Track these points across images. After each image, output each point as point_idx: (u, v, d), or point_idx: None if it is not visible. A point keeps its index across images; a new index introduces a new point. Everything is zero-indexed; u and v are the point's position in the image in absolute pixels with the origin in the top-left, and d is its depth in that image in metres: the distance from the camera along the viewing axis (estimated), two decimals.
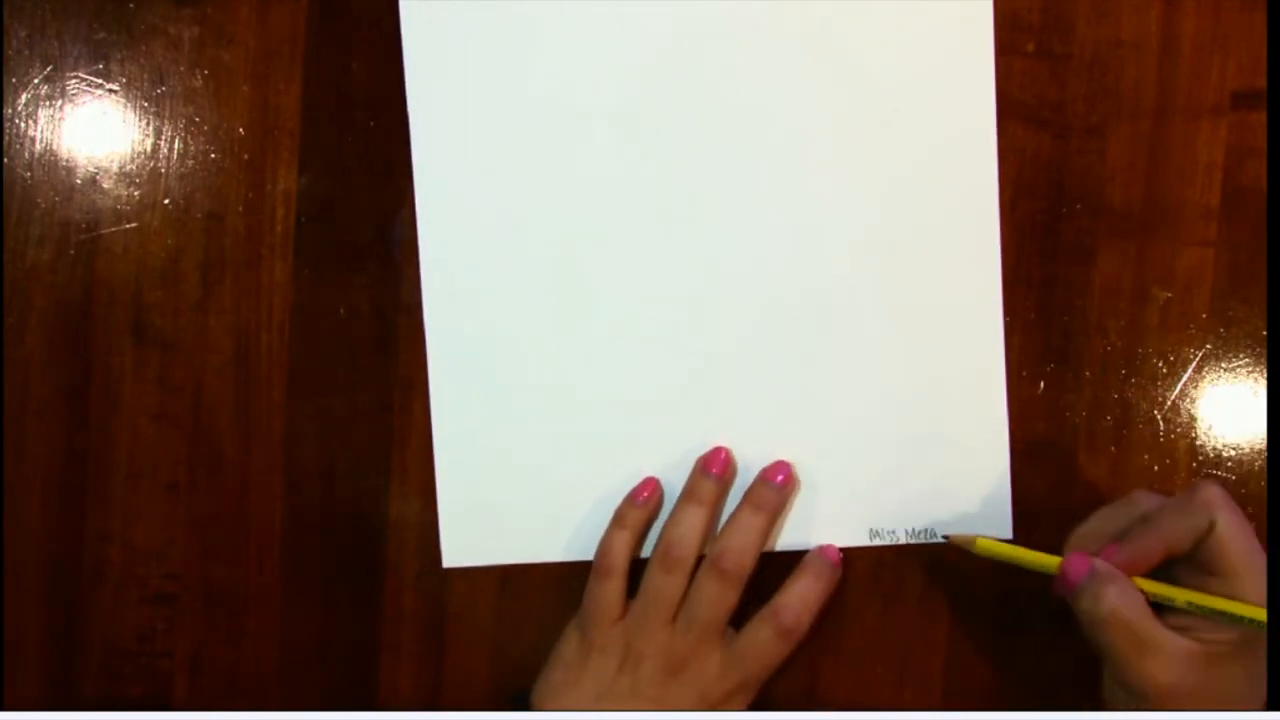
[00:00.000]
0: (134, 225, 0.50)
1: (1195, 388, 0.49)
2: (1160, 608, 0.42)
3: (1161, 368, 0.49)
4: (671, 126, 0.49)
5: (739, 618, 0.48)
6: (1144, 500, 0.44)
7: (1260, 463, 0.49)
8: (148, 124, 0.50)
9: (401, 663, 0.51)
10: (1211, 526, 0.41)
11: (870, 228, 0.49)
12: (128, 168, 0.50)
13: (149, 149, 0.50)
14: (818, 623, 0.48)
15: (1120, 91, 0.49)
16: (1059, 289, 0.49)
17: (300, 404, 0.50)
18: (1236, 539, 0.41)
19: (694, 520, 0.48)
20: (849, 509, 0.50)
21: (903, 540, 0.50)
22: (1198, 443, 0.49)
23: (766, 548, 0.49)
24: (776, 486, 0.49)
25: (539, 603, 0.51)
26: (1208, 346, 0.49)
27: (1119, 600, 0.41)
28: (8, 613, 0.51)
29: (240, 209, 0.50)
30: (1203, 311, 0.49)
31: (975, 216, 0.49)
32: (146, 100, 0.50)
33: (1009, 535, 0.49)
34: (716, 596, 0.47)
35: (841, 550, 0.49)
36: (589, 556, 0.49)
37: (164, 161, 0.50)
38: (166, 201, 0.50)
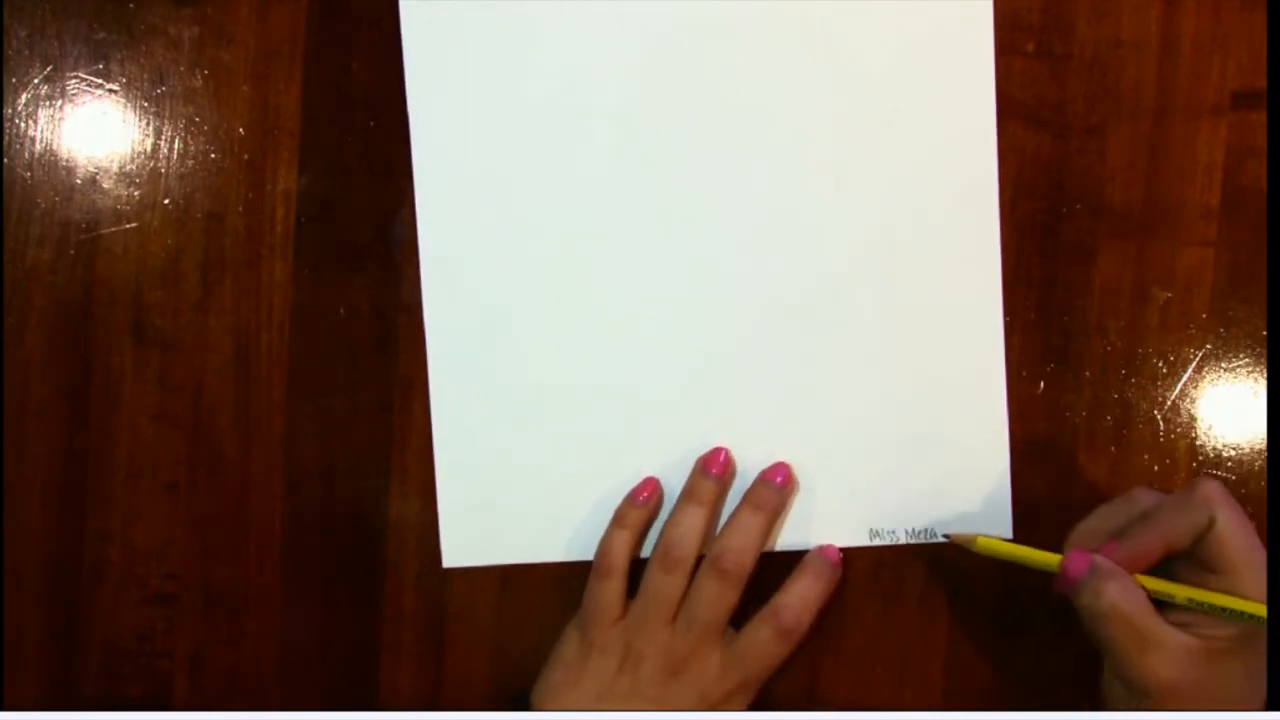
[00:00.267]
0: (134, 225, 0.50)
1: (1195, 388, 0.49)
2: (1161, 605, 0.42)
3: (1161, 368, 0.49)
4: (671, 127, 0.49)
5: (739, 618, 0.48)
6: (1143, 497, 0.44)
7: (1260, 463, 0.49)
8: (148, 124, 0.50)
9: (401, 663, 0.51)
10: (1211, 523, 0.41)
11: (870, 228, 0.49)
12: (128, 168, 0.50)
13: (149, 149, 0.50)
14: (818, 623, 0.48)
15: (1120, 91, 0.49)
16: (1059, 289, 0.49)
17: (300, 404, 0.50)
18: (1236, 535, 0.41)
19: (694, 520, 0.48)
20: (849, 509, 0.50)
21: (903, 540, 0.50)
22: (1198, 443, 0.49)
23: (766, 548, 0.49)
24: (776, 487, 0.48)
25: (539, 603, 0.51)
26: (1208, 346, 0.49)
27: (1120, 595, 0.41)
28: (8, 613, 0.51)
29: (240, 209, 0.50)
30: (1203, 311, 0.49)
31: (975, 216, 0.49)
32: (146, 100, 0.50)
33: (1009, 535, 0.49)
34: (716, 596, 0.47)
35: (841, 550, 0.49)
36: (589, 556, 0.49)
37: (164, 161, 0.50)
38: (166, 201, 0.50)
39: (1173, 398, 0.49)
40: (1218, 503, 0.41)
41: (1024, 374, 0.49)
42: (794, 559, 0.49)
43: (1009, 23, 0.49)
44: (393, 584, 0.51)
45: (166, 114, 0.50)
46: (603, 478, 0.50)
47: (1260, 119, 0.49)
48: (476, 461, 0.50)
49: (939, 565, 0.50)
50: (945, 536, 0.49)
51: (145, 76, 0.50)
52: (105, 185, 0.50)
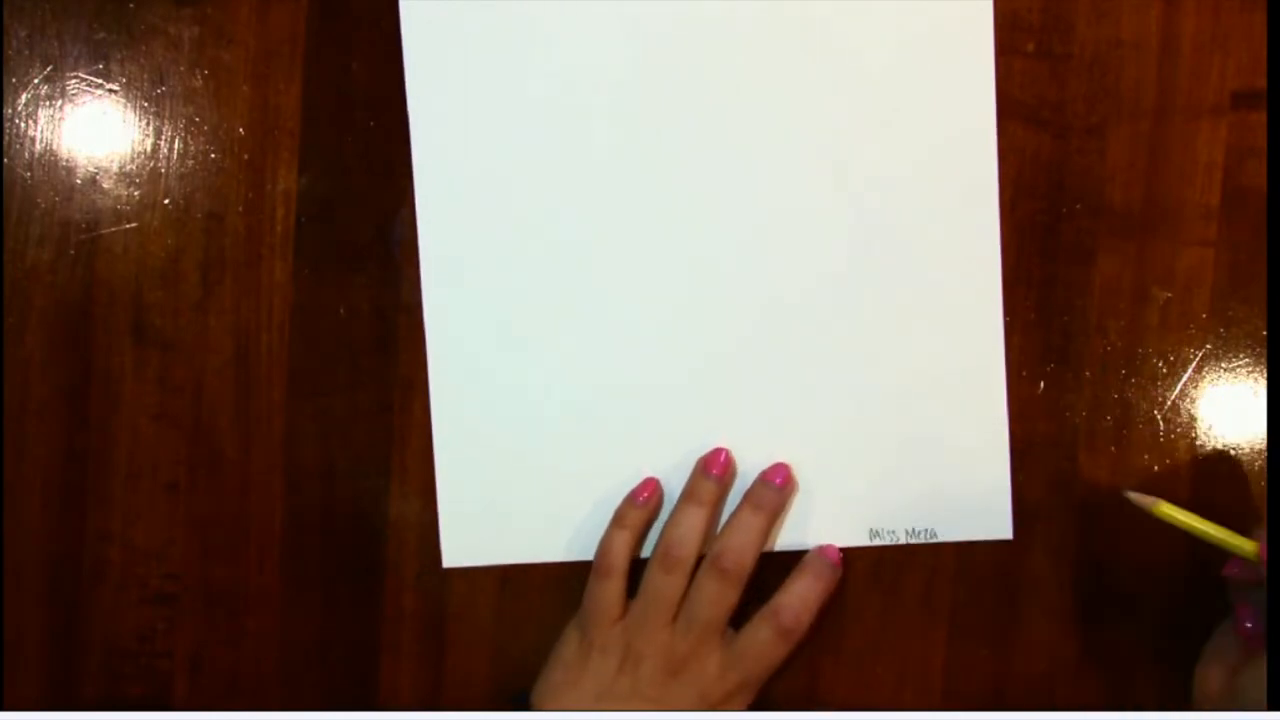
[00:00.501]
0: (134, 225, 0.50)
1: (1195, 388, 0.49)
2: None
3: (1161, 368, 0.49)
4: (671, 127, 0.49)
5: (739, 618, 0.48)
6: None
7: (1260, 463, 0.49)
8: (148, 124, 0.50)
9: (401, 663, 0.51)
10: None
11: (870, 228, 0.49)
12: (128, 168, 0.50)
13: (149, 149, 0.50)
14: (818, 623, 0.48)
15: (1120, 91, 0.49)
16: (1059, 289, 0.49)
17: (300, 404, 0.50)
18: None
19: (694, 521, 0.48)
20: (849, 509, 0.50)
21: (903, 540, 0.50)
22: (1198, 443, 0.49)
23: (766, 548, 0.49)
24: (776, 487, 0.48)
25: (539, 603, 0.51)
26: (1208, 346, 0.49)
27: None
28: (8, 613, 0.51)
29: (240, 209, 0.50)
30: (1203, 311, 0.49)
31: (975, 216, 0.49)
32: (146, 100, 0.50)
33: (1008, 535, 0.49)
34: (717, 596, 0.47)
35: (841, 550, 0.49)
36: (589, 556, 0.49)
37: (164, 161, 0.50)
38: (166, 201, 0.50)
39: (1173, 398, 0.49)
40: None
41: (1024, 374, 0.49)
42: (794, 559, 0.49)
43: (1009, 23, 0.49)
44: (393, 584, 0.51)
45: (166, 114, 0.50)
46: (603, 478, 0.50)
47: (1260, 119, 0.49)
48: (476, 461, 0.50)
49: (939, 565, 0.50)
50: (1126, 495, 0.47)
51: (145, 76, 0.50)
52: (105, 185, 0.50)
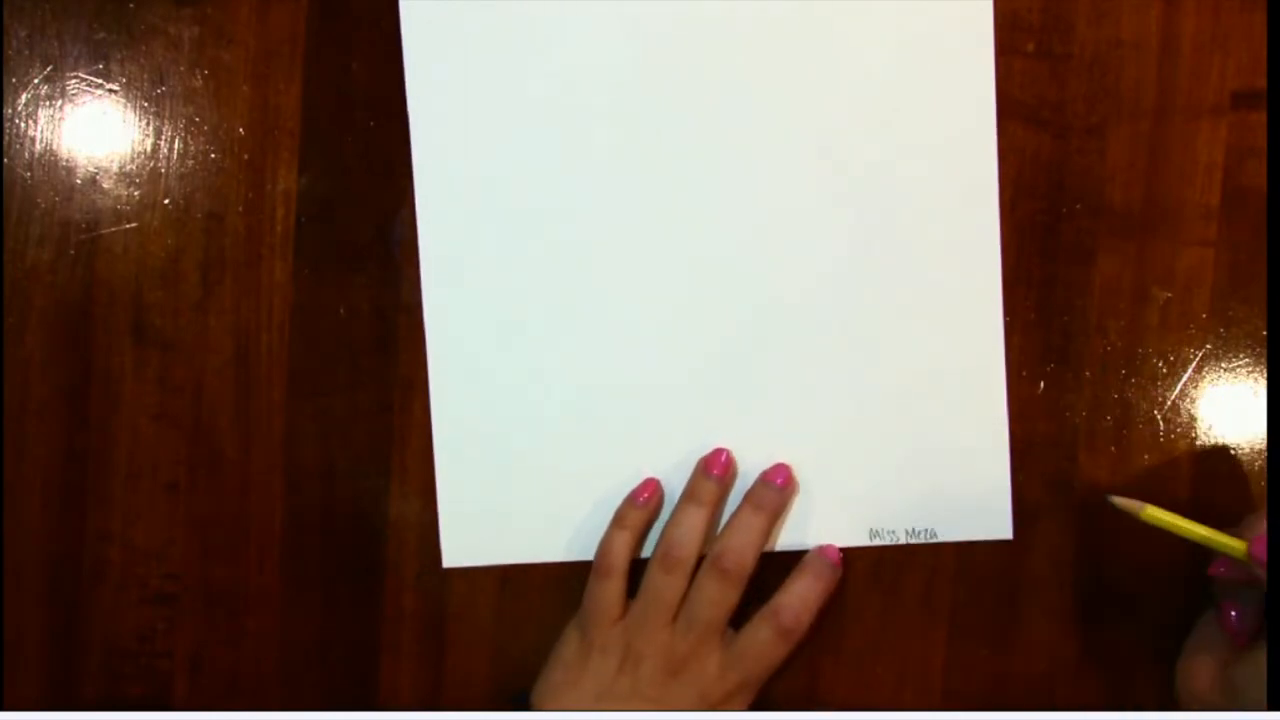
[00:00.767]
0: (134, 225, 0.50)
1: (1195, 388, 0.49)
2: None
3: (1161, 368, 0.49)
4: (671, 127, 0.49)
5: (739, 618, 0.48)
6: None
7: (1260, 463, 0.49)
8: (148, 124, 0.50)
9: (401, 663, 0.51)
10: None
11: (870, 228, 0.49)
12: (128, 168, 0.50)
13: (149, 149, 0.50)
14: (818, 623, 0.48)
15: (1120, 91, 0.49)
16: (1059, 289, 0.49)
17: (300, 404, 0.50)
18: None
19: (694, 521, 0.48)
20: (849, 509, 0.50)
21: (903, 540, 0.50)
22: (1198, 443, 0.49)
23: (766, 548, 0.49)
24: (777, 488, 0.48)
25: (539, 603, 0.51)
26: (1208, 346, 0.49)
27: None
28: (8, 613, 0.51)
29: (240, 209, 0.50)
30: (1203, 311, 0.49)
31: (975, 216, 0.49)
32: (146, 100, 0.50)
33: (1008, 535, 0.49)
34: (717, 596, 0.47)
35: (841, 550, 0.49)
36: (589, 556, 0.49)
37: (164, 161, 0.50)
38: (166, 201, 0.50)
39: (1173, 398, 0.49)
40: None
41: (1024, 374, 0.49)
42: (794, 559, 0.49)
43: (1009, 23, 0.49)
44: (393, 584, 0.51)
45: (166, 114, 0.50)
46: (603, 478, 0.50)
47: (1260, 119, 0.49)
48: (476, 461, 0.50)
49: (939, 565, 0.50)
50: (1109, 499, 0.47)
51: (145, 76, 0.50)
52: (105, 185, 0.50)
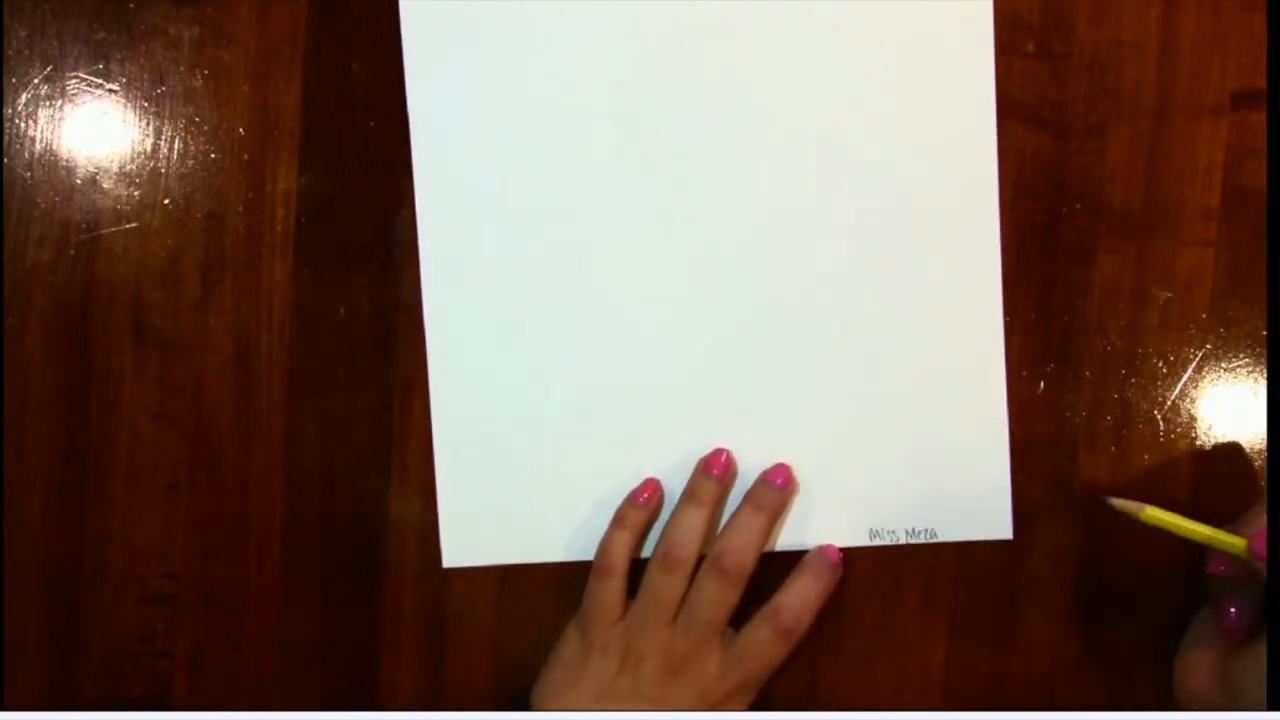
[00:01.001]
0: (134, 225, 0.50)
1: (1195, 388, 0.49)
2: None
3: (1161, 368, 0.49)
4: (671, 127, 0.49)
5: (739, 618, 0.48)
6: None
7: (1260, 463, 0.49)
8: (148, 124, 0.50)
9: (401, 663, 0.51)
10: None
11: (870, 228, 0.49)
12: (128, 168, 0.50)
13: (149, 149, 0.50)
14: (818, 623, 0.48)
15: (1120, 91, 0.49)
16: (1059, 289, 0.49)
17: (300, 404, 0.50)
18: None
19: (694, 521, 0.48)
20: (849, 509, 0.50)
21: (903, 540, 0.50)
22: (1198, 443, 0.49)
23: (766, 548, 0.49)
24: (777, 488, 0.48)
25: (539, 603, 0.51)
26: (1208, 346, 0.49)
27: None
28: (8, 613, 0.51)
29: (240, 209, 0.50)
30: (1203, 311, 0.49)
31: (975, 216, 0.49)
32: (146, 100, 0.50)
33: (1008, 535, 0.49)
34: (717, 596, 0.47)
35: (841, 550, 0.49)
36: (589, 556, 0.49)
37: (164, 161, 0.50)
38: (166, 201, 0.50)
39: (1173, 398, 0.49)
40: None
41: (1024, 374, 0.49)
42: (794, 559, 0.49)
43: (1009, 23, 0.49)
44: (393, 584, 0.51)
45: (166, 114, 0.50)
46: (603, 478, 0.50)
47: (1260, 119, 0.49)
48: (476, 461, 0.50)
49: (939, 565, 0.50)
50: (1108, 501, 0.47)
51: (145, 76, 0.50)
52: (105, 185, 0.50)
